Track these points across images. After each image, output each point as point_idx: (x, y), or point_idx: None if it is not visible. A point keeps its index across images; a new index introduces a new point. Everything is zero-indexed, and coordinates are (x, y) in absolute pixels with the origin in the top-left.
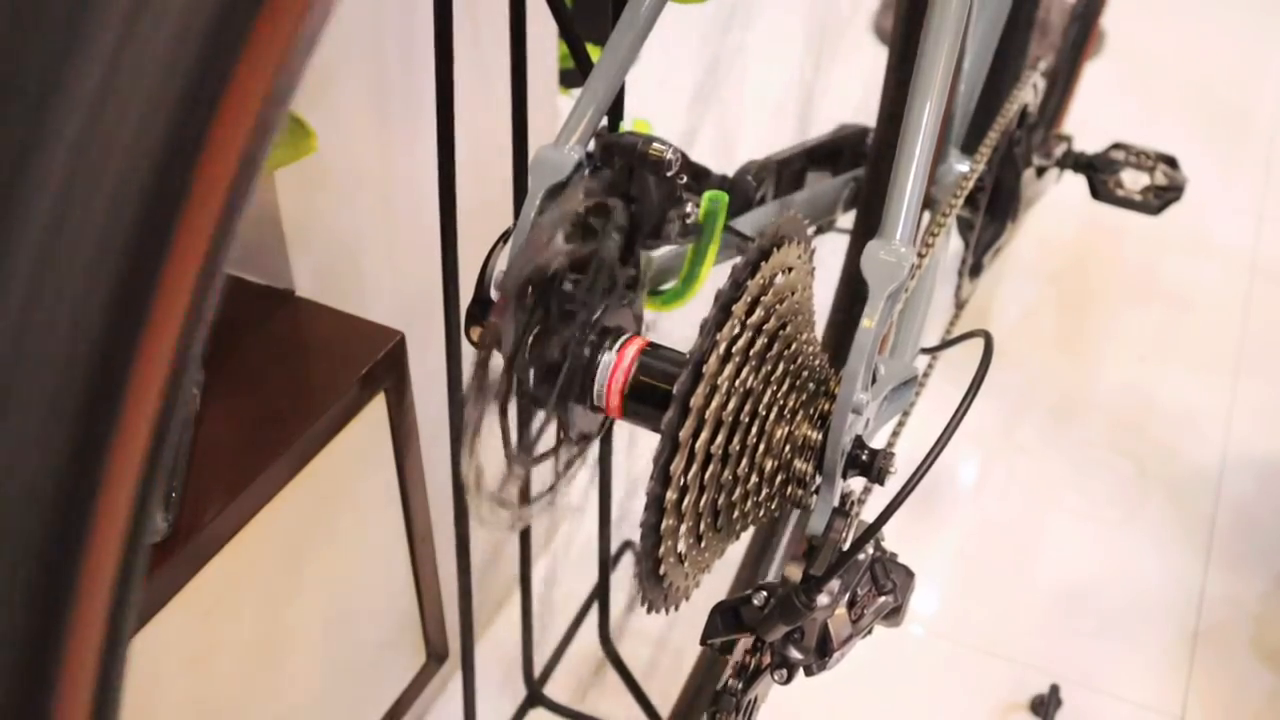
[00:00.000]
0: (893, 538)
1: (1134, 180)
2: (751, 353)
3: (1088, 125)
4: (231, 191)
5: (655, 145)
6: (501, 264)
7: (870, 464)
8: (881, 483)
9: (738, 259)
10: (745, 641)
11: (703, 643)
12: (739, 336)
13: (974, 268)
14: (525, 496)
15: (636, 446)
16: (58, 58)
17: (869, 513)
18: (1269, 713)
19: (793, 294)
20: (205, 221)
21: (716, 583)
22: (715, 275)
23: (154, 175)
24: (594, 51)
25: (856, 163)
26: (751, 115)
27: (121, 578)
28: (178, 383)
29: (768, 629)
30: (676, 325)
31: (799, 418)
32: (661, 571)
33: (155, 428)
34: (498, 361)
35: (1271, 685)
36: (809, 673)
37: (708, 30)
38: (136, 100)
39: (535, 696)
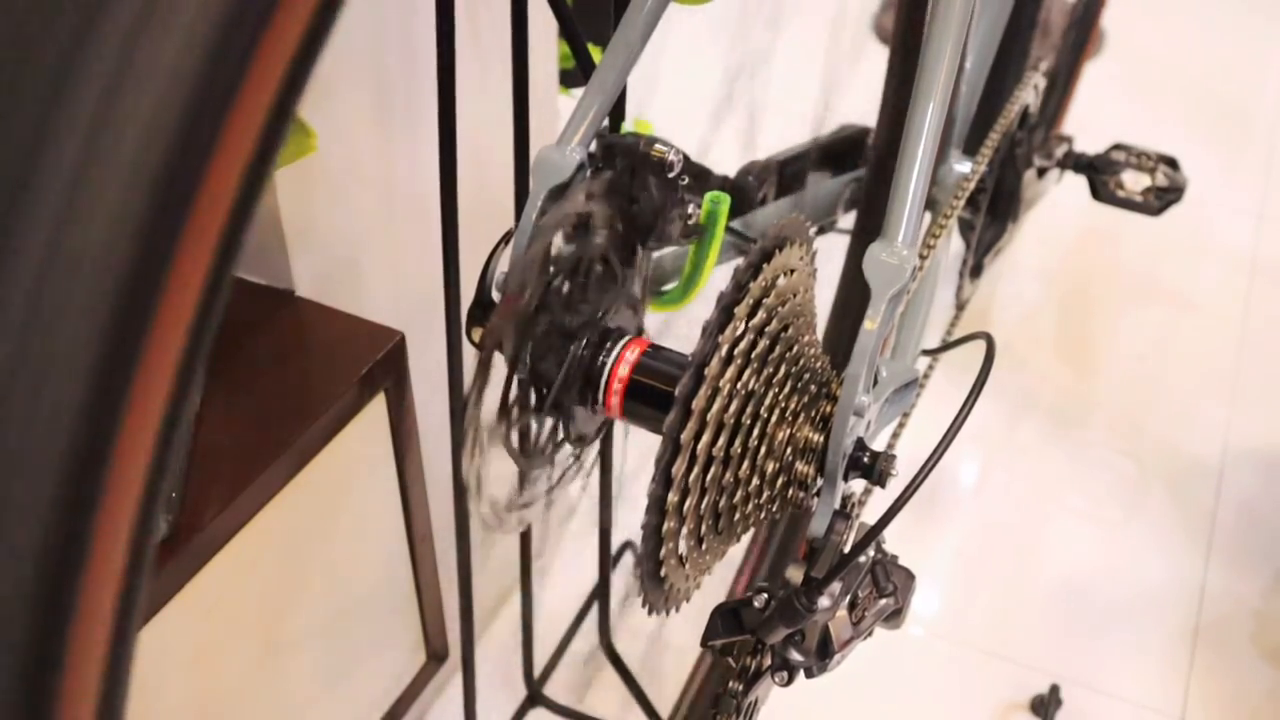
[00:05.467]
0: (893, 538)
1: (1135, 181)
2: (753, 355)
3: (1088, 126)
4: (241, 190)
5: (657, 146)
6: (503, 265)
7: (872, 466)
8: (883, 485)
9: (739, 260)
10: (745, 643)
11: (703, 644)
12: (741, 339)
13: (975, 269)
14: (525, 497)
15: (637, 447)
16: (65, 58)
17: (870, 514)
18: (1269, 710)
19: (794, 296)
20: (212, 230)
21: (717, 583)
22: (716, 276)
23: (164, 179)
24: (595, 52)
25: (857, 163)
26: (759, 117)
27: (128, 579)
28: (184, 383)
29: (768, 631)
30: (677, 326)
31: (800, 420)
32: (662, 573)
33: (161, 429)
34: (499, 362)
35: (1272, 682)
36: (809, 675)
37: (729, 33)
38: (142, 107)
39: (535, 696)
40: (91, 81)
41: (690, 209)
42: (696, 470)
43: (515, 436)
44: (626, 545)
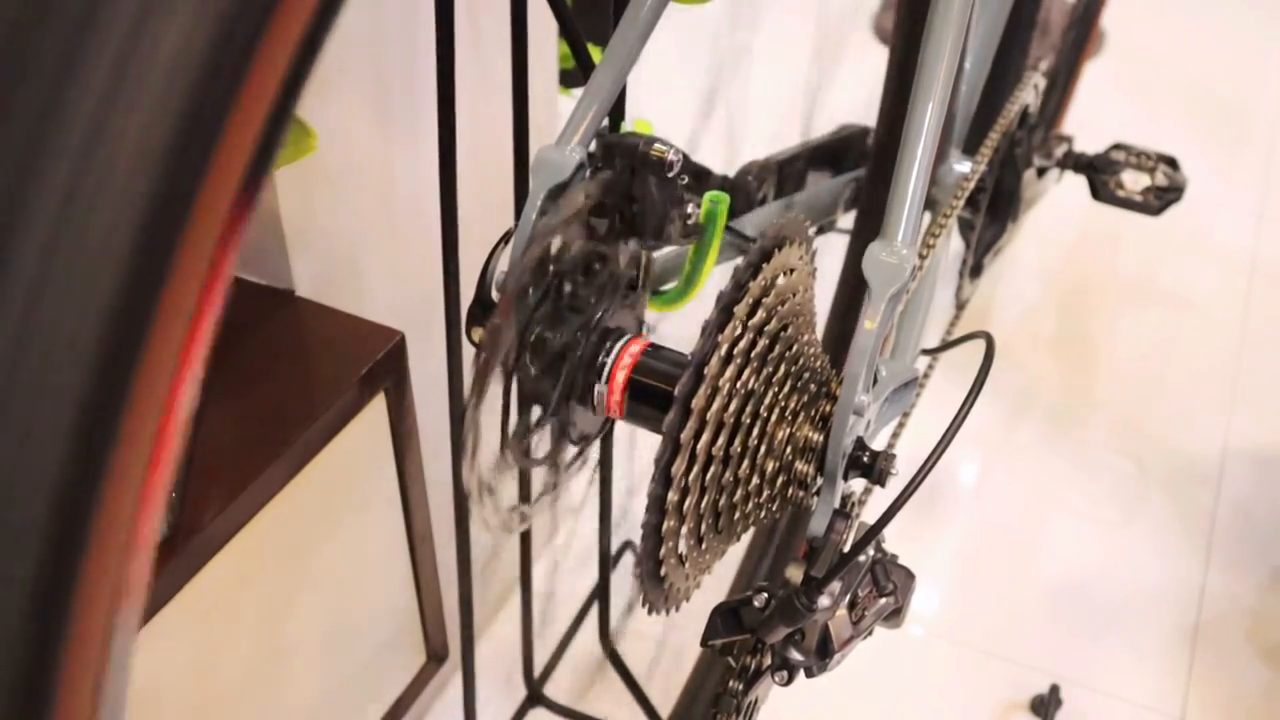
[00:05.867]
0: (893, 538)
1: (1134, 181)
2: (753, 354)
3: (1088, 126)
4: (242, 184)
5: (657, 146)
6: (503, 265)
7: (871, 466)
8: (883, 484)
9: (739, 260)
10: (745, 643)
11: (703, 644)
12: (740, 338)
13: (974, 268)
14: (526, 497)
15: (637, 447)
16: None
17: (870, 514)
18: (1268, 709)
19: (794, 295)
20: (212, 225)
21: (717, 583)
22: (716, 276)
23: (165, 176)
24: (595, 52)
25: (857, 163)
26: (756, 117)
27: (126, 579)
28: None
29: (768, 631)
30: (677, 326)
31: (800, 419)
32: (662, 573)
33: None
34: (499, 363)
35: (1271, 681)
36: (809, 674)
37: (713, 31)
38: (143, 101)
39: (535, 696)
40: (91, 82)
41: (690, 209)
42: (696, 469)
43: (515, 438)
44: (627, 545)
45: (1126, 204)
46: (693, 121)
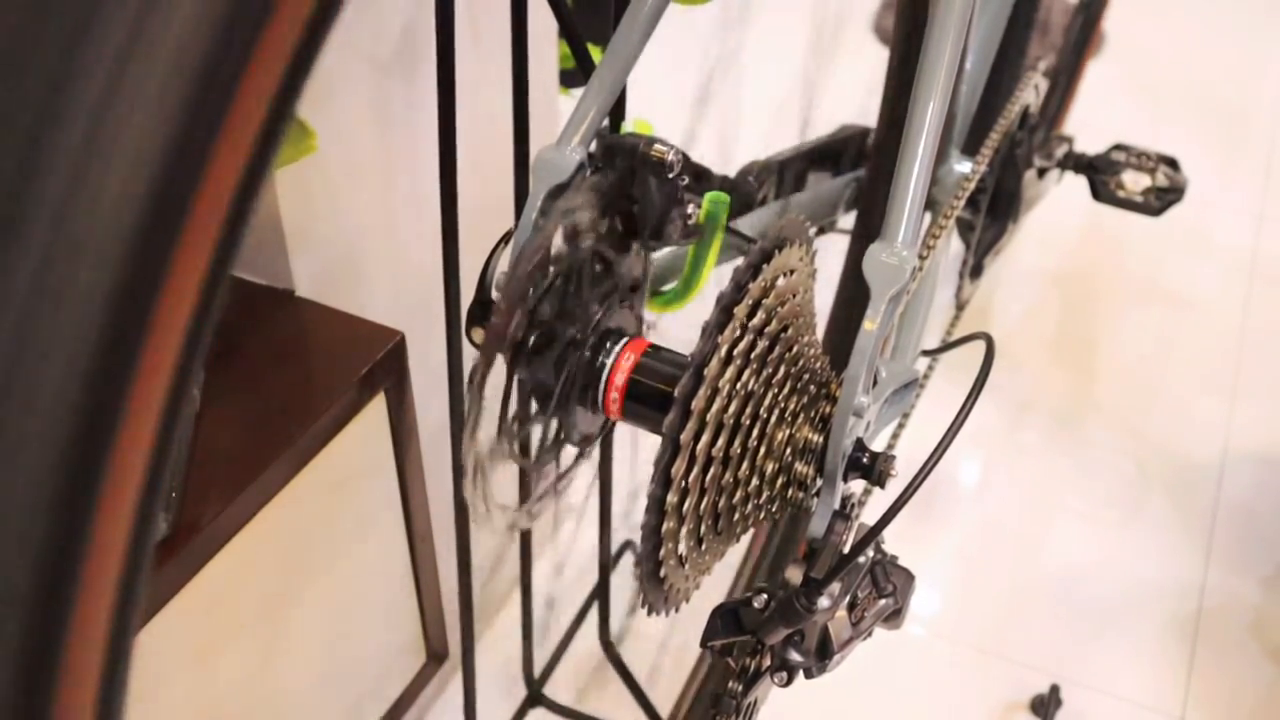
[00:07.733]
0: (893, 538)
1: (1135, 181)
2: (753, 355)
3: (1088, 126)
4: (242, 184)
5: (657, 146)
6: (503, 265)
7: (871, 467)
8: (882, 486)
9: (739, 260)
10: (745, 644)
11: (703, 645)
12: (740, 339)
13: (975, 269)
14: (526, 498)
15: (640, 448)
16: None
17: (870, 515)
18: (1269, 709)
19: (794, 296)
20: (213, 220)
21: (718, 584)
22: (716, 276)
23: (166, 170)
24: (595, 52)
25: (857, 164)
26: (751, 117)
27: (126, 580)
28: (182, 383)
29: (768, 632)
30: (677, 327)
31: (800, 420)
32: (662, 573)
33: (159, 427)
34: (499, 363)
35: (1271, 682)
36: (809, 675)
37: (707, 30)
38: (144, 96)
39: (535, 696)
40: (90, 83)
41: (690, 209)
42: (696, 471)
43: (516, 439)
44: (626, 545)
45: (1127, 205)
46: (688, 122)
